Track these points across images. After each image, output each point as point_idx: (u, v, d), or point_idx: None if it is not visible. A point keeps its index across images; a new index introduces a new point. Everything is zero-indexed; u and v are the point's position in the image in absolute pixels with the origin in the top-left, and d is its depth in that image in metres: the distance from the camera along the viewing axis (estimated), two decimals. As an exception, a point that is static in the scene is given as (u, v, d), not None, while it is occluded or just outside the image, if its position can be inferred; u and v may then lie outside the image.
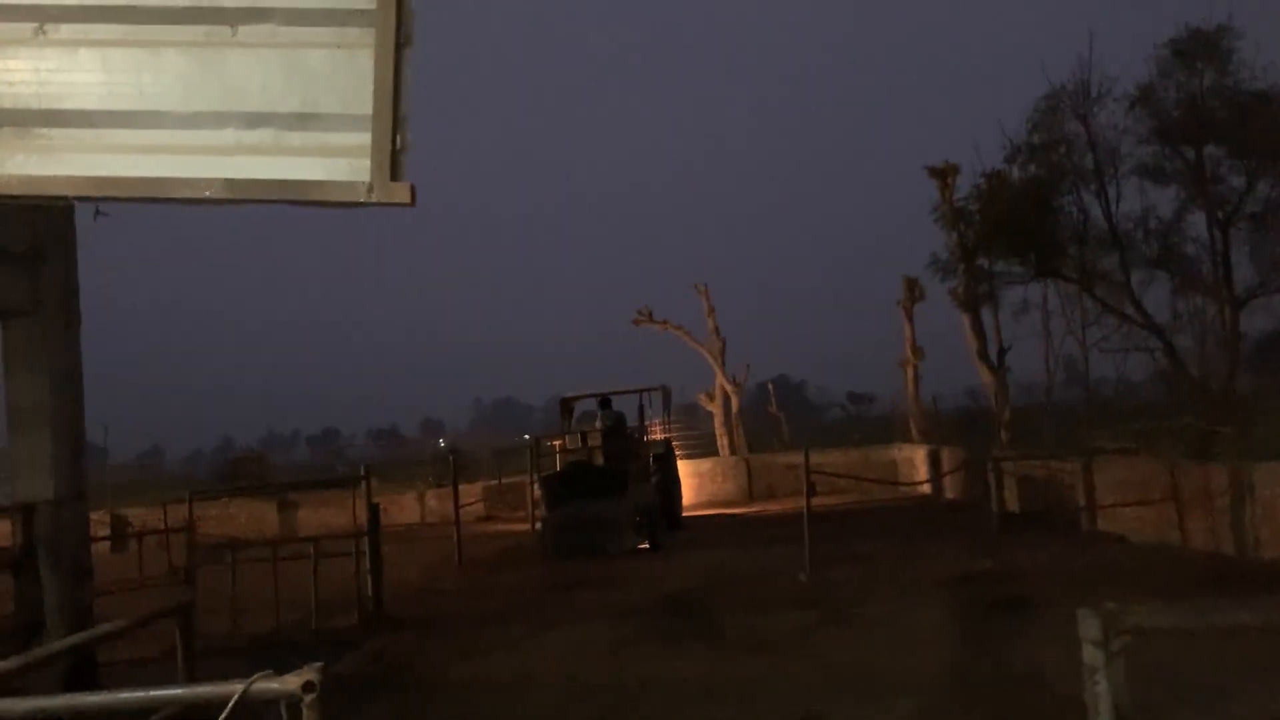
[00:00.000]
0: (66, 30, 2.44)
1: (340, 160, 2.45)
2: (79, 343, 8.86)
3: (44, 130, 2.44)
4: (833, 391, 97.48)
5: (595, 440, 16.21)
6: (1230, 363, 14.36)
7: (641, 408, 17.21)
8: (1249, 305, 14.30)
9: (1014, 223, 14.18)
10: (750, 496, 25.33)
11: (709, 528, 18.10)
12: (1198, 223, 14.50)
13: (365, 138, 2.44)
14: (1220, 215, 14.19)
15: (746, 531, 17.17)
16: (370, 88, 2.42)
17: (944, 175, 20.02)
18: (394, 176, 2.41)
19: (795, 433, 38.26)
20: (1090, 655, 2.40)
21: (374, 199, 2.37)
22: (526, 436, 23.16)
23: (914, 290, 24.64)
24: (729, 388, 27.61)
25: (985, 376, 20.69)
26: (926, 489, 22.19)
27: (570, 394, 17.93)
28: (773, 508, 21.34)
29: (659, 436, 17.93)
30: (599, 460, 15.69)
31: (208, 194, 2.40)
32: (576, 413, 18.45)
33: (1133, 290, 14.29)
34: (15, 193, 2.50)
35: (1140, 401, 18.85)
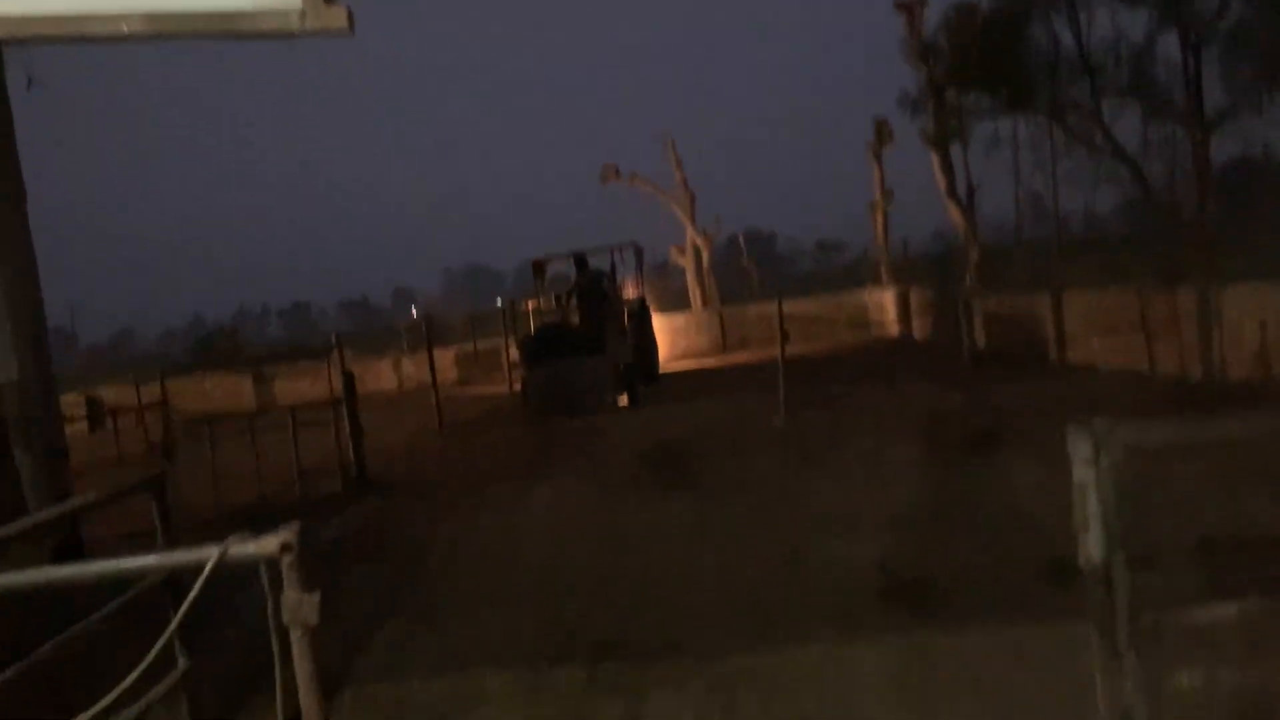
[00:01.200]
0: None
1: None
2: (27, 220, 8.55)
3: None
4: (803, 241, 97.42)
5: (570, 301, 16.17)
6: (1200, 190, 14.30)
7: (614, 266, 17.16)
8: (1220, 130, 14.14)
9: (984, 54, 13.81)
10: (724, 348, 25.53)
11: (686, 381, 18.30)
12: (1170, 45, 14.20)
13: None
14: (1192, 37, 13.87)
15: (722, 382, 17.36)
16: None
17: (910, 9, 19.40)
18: None
19: (767, 284, 38.36)
20: (1081, 474, 2.37)
21: (307, 26, 2.16)
22: (500, 301, 22.93)
23: (883, 132, 24.26)
24: (699, 241, 27.42)
25: (955, 216, 20.58)
26: (897, 331, 22.43)
27: (541, 256, 17.84)
28: (747, 358, 21.53)
29: (633, 294, 17.93)
30: (574, 320, 15.70)
31: (126, 30, 2.18)
32: (549, 275, 18.31)
33: (1103, 119, 14.06)
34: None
35: (1110, 234, 18.89)
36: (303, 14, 2.14)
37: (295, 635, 2.40)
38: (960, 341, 14.94)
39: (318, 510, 9.38)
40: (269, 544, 2.36)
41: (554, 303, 17.38)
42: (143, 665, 2.48)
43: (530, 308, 18.05)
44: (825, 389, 13.52)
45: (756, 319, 25.11)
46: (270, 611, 2.44)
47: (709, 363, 22.16)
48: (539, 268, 17.84)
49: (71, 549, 7.55)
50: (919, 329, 21.32)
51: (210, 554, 2.36)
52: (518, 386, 15.80)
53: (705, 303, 27.33)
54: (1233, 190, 19.89)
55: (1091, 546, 2.37)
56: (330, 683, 4.62)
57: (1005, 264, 20.89)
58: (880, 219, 25.67)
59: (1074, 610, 2.65)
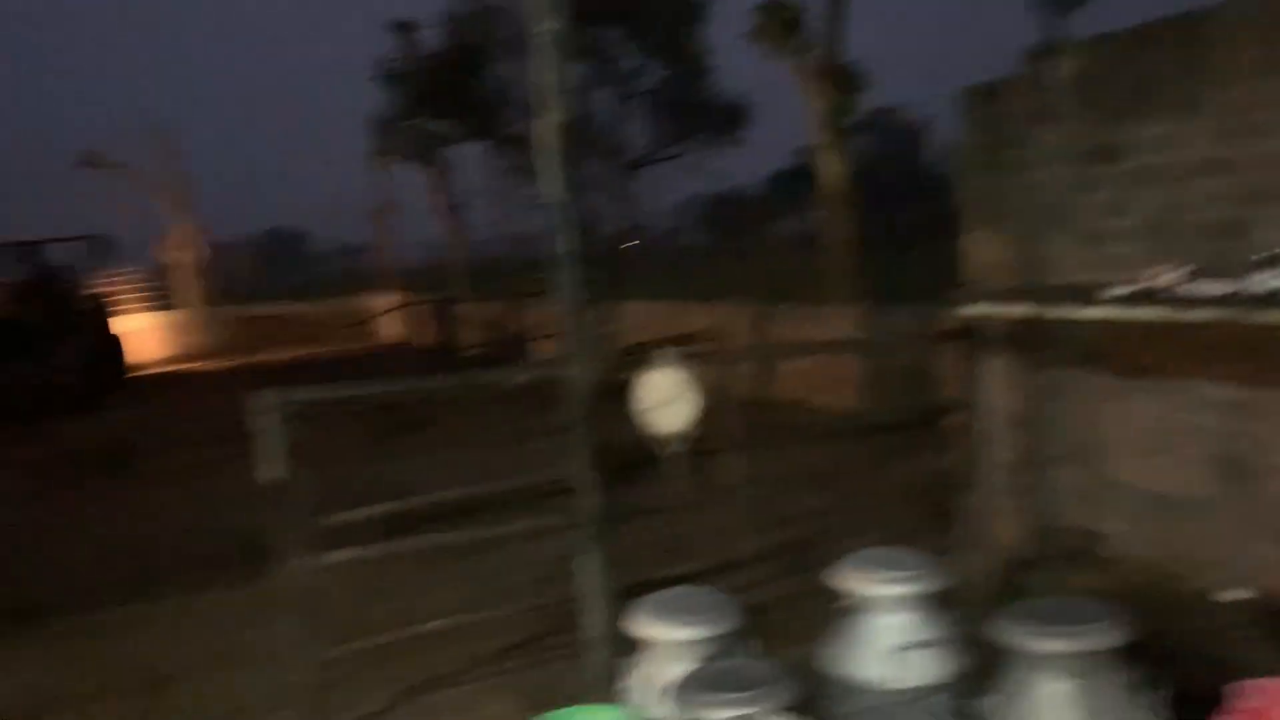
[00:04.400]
0: None
1: None
2: None
3: None
4: (337, 244, 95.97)
5: (10, 294, 14.63)
6: (621, 221, 17.22)
7: (69, 261, 16.03)
8: (640, 170, 17.14)
9: (443, 86, 15.44)
10: (224, 350, 24.95)
11: (164, 384, 17.69)
12: (604, 96, 16.91)
13: None
14: (620, 90, 16.66)
15: (197, 384, 17.13)
16: None
17: (408, 30, 20.81)
18: None
19: (291, 284, 37.78)
20: (263, 421, 3.54)
21: None
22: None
23: (379, 144, 25.37)
24: (193, 237, 26.55)
25: (443, 228, 22.34)
26: (396, 336, 23.50)
27: None
28: (236, 362, 21.14)
29: (92, 291, 16.73)
30: (18, 317, 14.15)
31: None
32: None
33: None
34: None
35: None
36: None
37: None
38: (450, 344, 16.34)
39: None
40: None
41: None
42: None
43: None
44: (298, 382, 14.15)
45: (261, 320, 24.96)
46: None
47: (197, 366, 21.50)
48: None
49: None
50: (416, 334, 22.55)
51: None
52: None
53: (201, 304, 26.47)
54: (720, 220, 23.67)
55: (272, 470, 3.55)
56: None
57: (491, 275, 22.99)
58: (380, 227, 26.77)
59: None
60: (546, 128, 3.47)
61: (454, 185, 22.06)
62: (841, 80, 11.17)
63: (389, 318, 24.24)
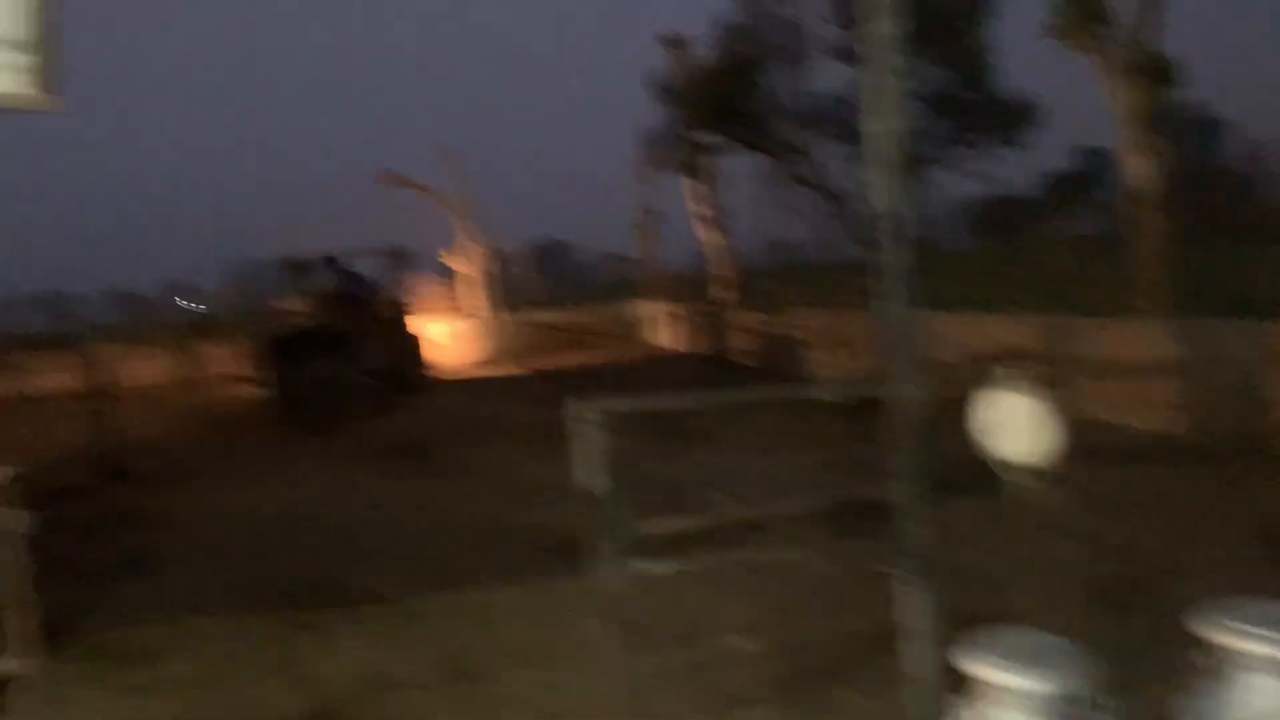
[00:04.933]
0: None
1: (11, 75, 3.13)
2: None
3: None
4: (600, 253, 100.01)
5: (321, 302, 15.86)
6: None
7: (373, 270, 17.05)
8: (921, 174, 16.52)
9: (717, 98, 15.56)
10: (507, 356, 26.39)
11: (455, 389, 18.76)
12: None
13: (30, 59, 3.13)
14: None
15: (490, 390, 18.02)
16: (24, 13, 3.11)
17: (677, 44, 21.25)
18: (49, 89, 3.13)
19: (562, 294, 39.62)
20: (580, 430, 3.61)
21: (30, 107, 3.09)
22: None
23: (646, 156, 25.95)
24: (482, 249, 28.31)
25: (703, 237, 22.54)
26: (665, 342, 23.96)
27: (295, 255, 17.25)
28: (524, 368, 22.12)
29: (393, 299, 17.57)
30: (326, 323, 15.24)
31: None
32: (306, 276, 17.55)
33: (813, 161, 16.13)
34: None
35: (823, 261, 21.34)
36: (29, 100, 3.08)
37: (12, 542, 3.31)
38: (724, 352, 16.43)
39: (69, 493, 9.74)
40: (5, 473, 3.25)
41: (306, 304, 16.54)
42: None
43: (286, 309, 16.96)
44: (581, 393, 14.70)
45: (538, 328, 26.26)
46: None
47: (487, 372, 22.64)
48: (294, 267, 17.17)
49: None
50: (689, 341, 22.86)
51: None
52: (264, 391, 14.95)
53: (488, 311, 28.18)
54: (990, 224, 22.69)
55: (592, 479, 3.60)
56: (60, 634, 5.41)
57: (754, 285, 22.96)
58: (645, 237, 27.38)
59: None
60: (881, 136, 3.30)
61: (721, 194, 22.25)
62: (1157, 72, 10.24)
63: (659, 325, 24.73)
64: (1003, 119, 17.42)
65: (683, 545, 4.25)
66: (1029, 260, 28.93)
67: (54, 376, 21.86)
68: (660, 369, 18.08)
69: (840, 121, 16.32)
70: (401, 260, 18.37)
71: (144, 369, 24.13)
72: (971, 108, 17.12)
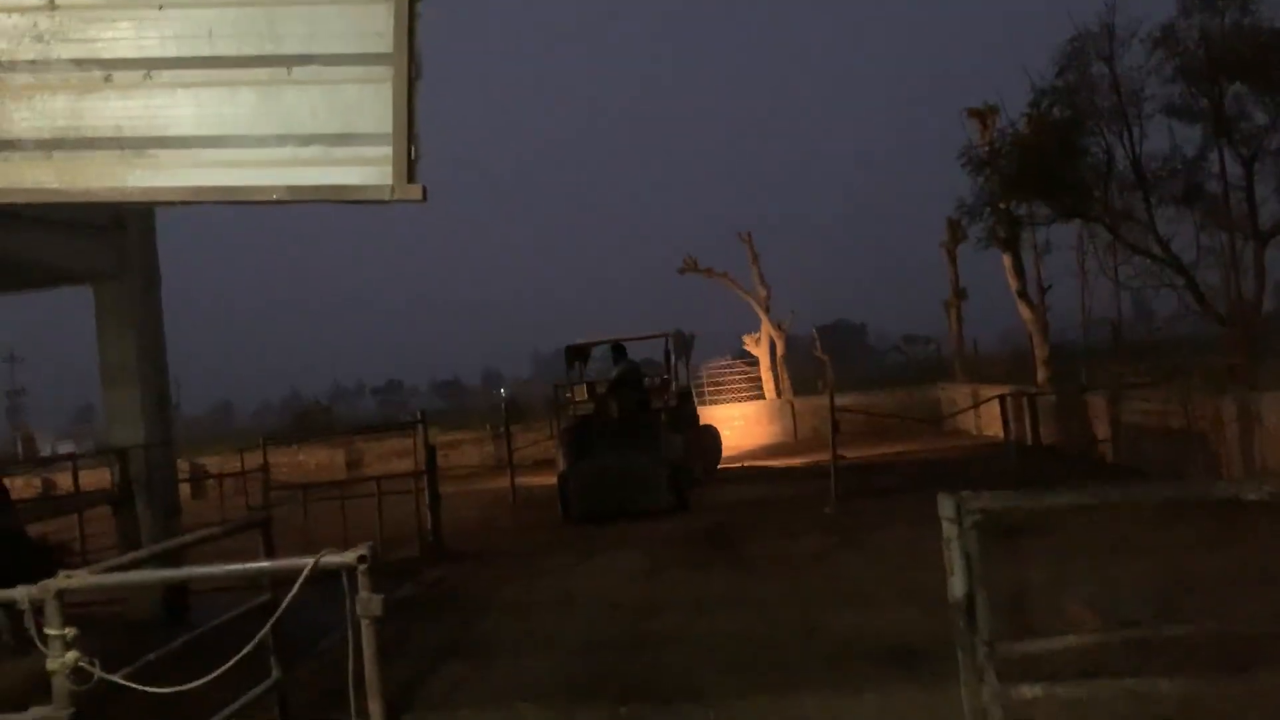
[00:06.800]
0: (167, 75, 3.29)
1: (370, 168, 3.26)
2: (160, 302, 9.97)
3: (154, 151, 3.29)
4: (893, 335, 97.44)
5: (606, 391, 15.58)
6: (1256, 297, 14.70)
7: (667, 355, 16.43)
8: (1274, 239, 14.58)
9: (1040, 165, 14.59)
10: (795, 439, 25.94)
11: (753, 476, 17.92)
12: (1214, 160, 14.84)
13: (388, 150, 3.24)
14: (1244, 152, 14.43)
15: (791, 478, 17.29)
16: (391, 111, 3.23)
17: (984, 117, 20.36)
18: (410, 179, 3.22)
19: (854, 376, 38.76)
20: (946, 529, 3.15)
21: (395, 198, 3.18)
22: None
23: (956, 232, 24.95)
24: (774, 333, 28.25)
25: (1025, 315, 21.16)
26: (982, 430, 22.28)
27: (577, 342, 16.79)
28: (810, 458, 21.07)
29: (676, 386, 16.67)
30: (612, 412, 14.89)
31: (275, 197, 3.24)
32: (591, 364, 17.54)
33: (1156, 228, 14.64)
34: (135, 200, 3.40)
35: (1167, 338, 19.21)
36: (392, 189, 3.16)
37: (364, 625, 3.31)
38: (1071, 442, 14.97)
39: (397, 571, 10.32)
40: (350, 556, 3.29)
41: (589, 392, 16.42)
42: (232, 661, 3.40)
43: (573, 397, 16.64)
44: (881, 481, 14.03)
45: (835, 413, 25.55)
46: (349, 609, 3.36)
47: (773, 462, 21.66)
48: (576, 353, 16.75)
49: (178, 590, 8.63)
50: (1008, 430, 20.97)
51: (307, 562, 3.30)
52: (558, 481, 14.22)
53: (778, 394, 28.00)
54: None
55: (955, 586, 3.13)
56: (395, 712, 5.52)
57: (1073, 363, 21.20)
58: (955, 315, 26.24)
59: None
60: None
61: (1040, 268, 20.92)
62: None
63: (974, 410, 23.25)
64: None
65: (1045, 665, 3.63)
66: None
67: (388, 458, 23.90)
68: (984, 461, 16.52)
69: (1188, 185, 14.82)
70: (690, 345, 18.18)
71: (463, 453, 25.90)
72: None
